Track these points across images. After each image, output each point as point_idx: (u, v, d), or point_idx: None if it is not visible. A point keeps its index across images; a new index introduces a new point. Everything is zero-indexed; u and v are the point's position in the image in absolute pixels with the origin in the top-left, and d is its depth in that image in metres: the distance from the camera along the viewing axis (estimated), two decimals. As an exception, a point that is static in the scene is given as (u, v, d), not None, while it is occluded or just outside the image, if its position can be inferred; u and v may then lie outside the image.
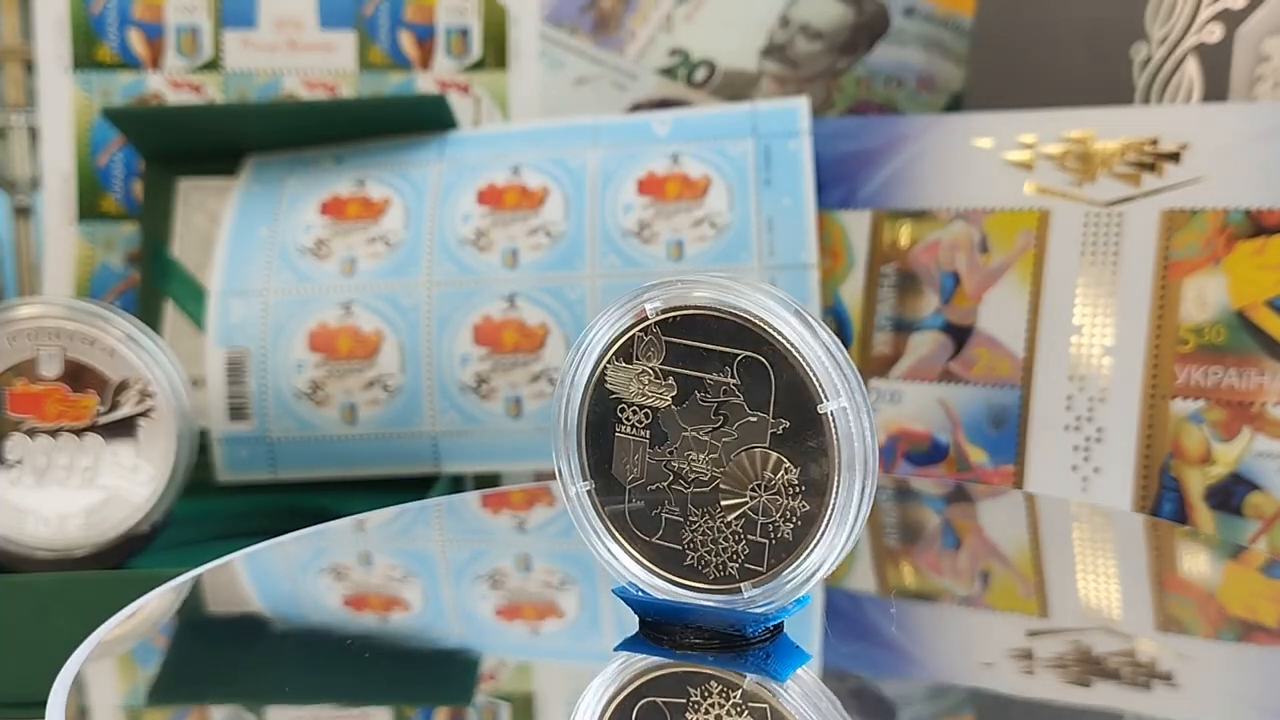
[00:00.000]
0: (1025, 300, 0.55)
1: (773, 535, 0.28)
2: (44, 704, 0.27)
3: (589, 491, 0.30)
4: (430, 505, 0.47)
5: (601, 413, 0.30)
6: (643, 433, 0.29)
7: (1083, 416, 0.52)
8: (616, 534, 0.30)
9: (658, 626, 0.30)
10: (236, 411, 0.58)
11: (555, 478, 0.30)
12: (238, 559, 0.38)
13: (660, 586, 0.30)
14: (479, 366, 0.57)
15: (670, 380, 0.29)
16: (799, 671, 0.29)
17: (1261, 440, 0.49)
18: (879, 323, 0.58)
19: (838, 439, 0.28)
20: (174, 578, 0.36)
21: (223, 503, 0.58)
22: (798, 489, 0.28)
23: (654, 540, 0.30)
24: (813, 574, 0.28)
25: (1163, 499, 0.51)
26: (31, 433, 0.46)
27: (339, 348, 0.58)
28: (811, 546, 0.28)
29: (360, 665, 0.31)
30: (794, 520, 0.28)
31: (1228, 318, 0.50)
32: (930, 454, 0.56)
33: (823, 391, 0.28)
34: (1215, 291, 0.51)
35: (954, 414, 0.56)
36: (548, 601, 0.36)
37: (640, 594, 0.30)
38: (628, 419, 0.29)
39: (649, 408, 0.29)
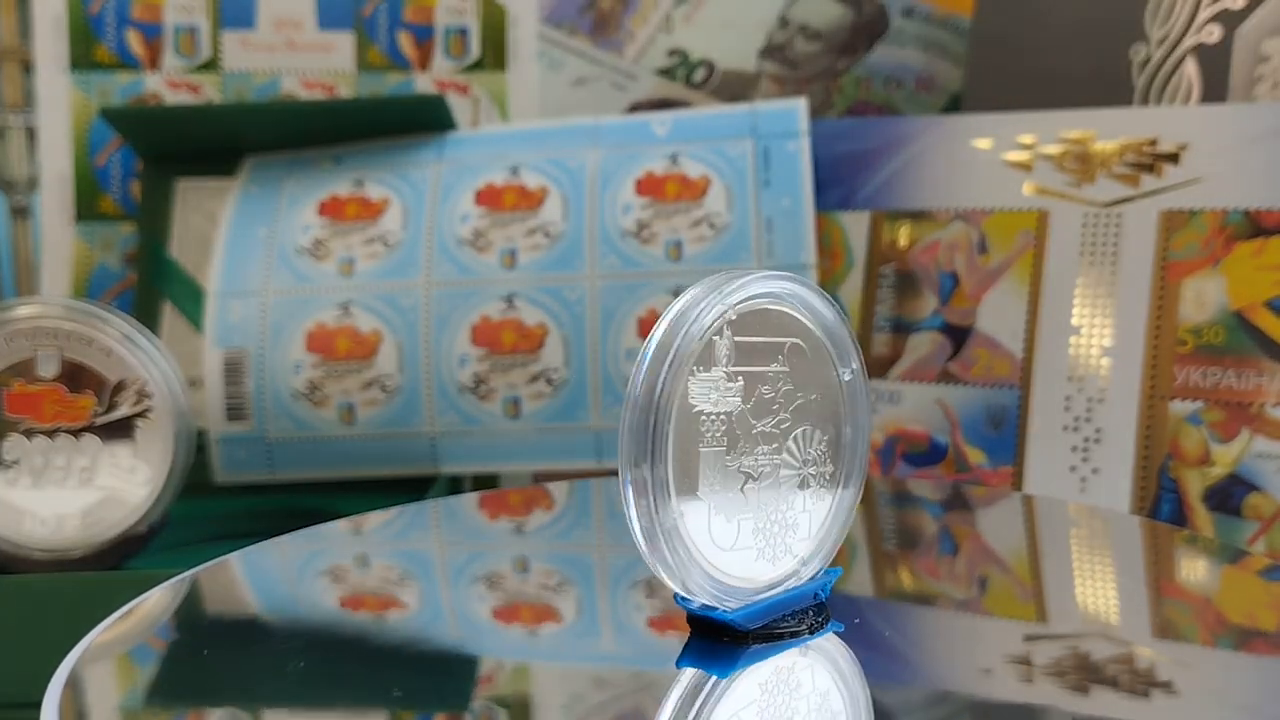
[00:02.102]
0: (1024, 301, 0.55)
1: (814, 504, 0.31)
2: (40, 705, 0.27)
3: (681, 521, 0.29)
4: (428, 506, 0.47)
5: (682, 431, 0.28)
6: (720, 441, 0.29)
7: (1081, 417, 0.52)
8: (704, 558, 0.29)
9: (742, 632, 0.30)
10: (234, 412, 0.58)
11: (631, 514, 0.28)
12: (234, 559, 0.38)
13: (747, 593, 0.30)
14: (477, 367, 0.57)
15: (740, 380, 0.29)
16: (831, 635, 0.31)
17: (1260, 441, 0.49)
18: (878, 323, 0.58)
19: (854, 401, 0.31)
20: (171, 578, 0.36)
21: (220, 503, 0.58)
22: (826, 455, 0.31)
23: (732, 549, 0.29)
24: (844, 528, 0.31)
25: (1161, 500, 0.51)
26: (29, 433, 0.46)
27: (337, 348, 0.58)
28: (842, 504, 0.31)
29: (357, 666, 0.31)
30: (825, 483, 0.31)
31: (1226, 318, 0.50)
32: (929, 455, 0.56)
33: (840, 361, 0.31)
34: (1214, 292, 0.51)
35: (953, 414, 0.56)
36: (545, 603, 0.36)
37: (737, 611, 0.29)
38: (708, 431, 0.29)
39: (725, 413, 0.29)
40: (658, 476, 0.28)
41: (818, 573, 0.31)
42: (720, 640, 0.30)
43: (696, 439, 0.28)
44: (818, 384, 0.30)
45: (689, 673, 0.29)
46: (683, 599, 0.30)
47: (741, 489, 0.29)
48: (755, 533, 0.30)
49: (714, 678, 0.28)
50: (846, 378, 0.31)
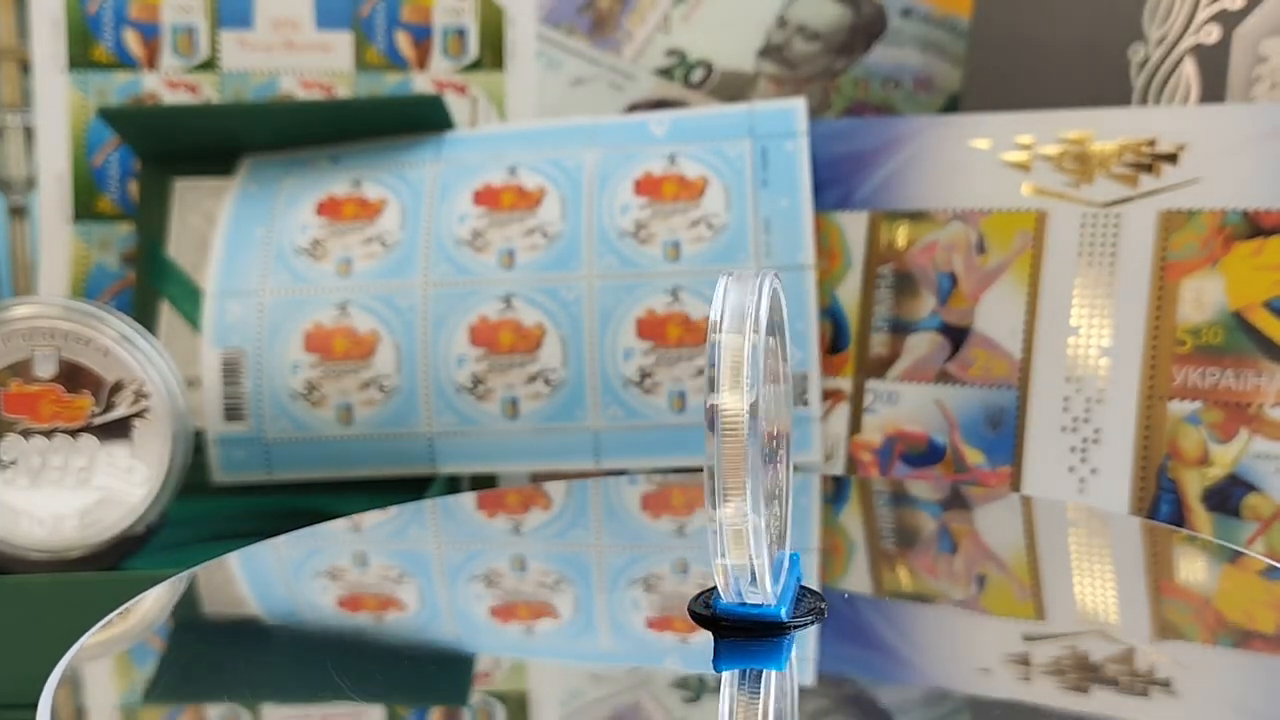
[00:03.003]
0: (1022, 301, 0.55)
1: (780, 491, 0.32)
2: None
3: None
4: (426, 506, 0.47)
5: None
6: (759, 434, 0.29)
7: (1080, 418, 0.52)
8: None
9: (781, 624, 0.30)
10: (232, 412, 0.58)
11: (715, 511, 0.28)
12: (232, 559, 0.38)
13: (773, 584, 0.30)
14: (475, 367, 0.57)
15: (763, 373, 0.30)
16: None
17: (1259, 442, 0.49)
18: (876, 324, 0.58)
19: (789, 394, 0.33)
20: (169, 578, 0.36)
21: (218, 504, 0.58)
22: (779, 443, 0.32)
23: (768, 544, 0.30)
24: (790, 512, 0.33)
25: (1160, 500, 0.51)
26: (26, 433, 0.46)
27: (335, 348, 0.58)
28: (789, 489, 0.32)
29: (355, 666, 0.31)
30: (785, 469, 0.32)
31: (1225, 319, 0.50)
32: (927, 455, 0.56)
33: (783, 355, 0.32)
34: (1213, 292, 0.51)
35: (951, 415, 0.56)
36: (543, 602, 0.36)
37: (782, 602, 0.30)
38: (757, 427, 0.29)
39: (756, 405, 0.29)
40: (757, 479, 0.27)
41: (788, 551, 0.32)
42: (754, 636, 0.30)
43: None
44: (779, 377, 0.32)
45: (731, 673, 0.29)
46: (720, 600, 0.29)
47: (767, 480, 0.30)
48: (770, 523, 0.30)
49: (771, 672, 0.29)
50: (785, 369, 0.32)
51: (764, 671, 0.29)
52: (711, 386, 0.27)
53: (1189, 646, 0.32)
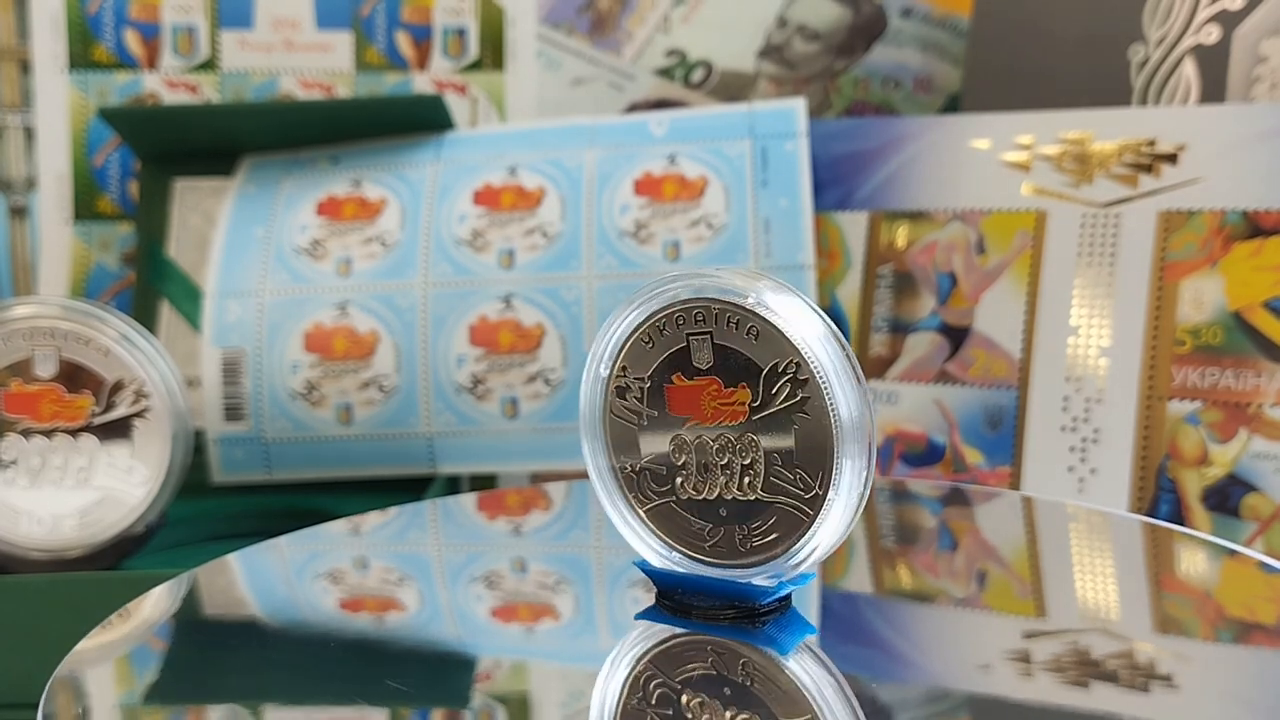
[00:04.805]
0: (1022, 301, 0.55)
1: None
2: (38, 705, 0.27)
3: None
4: (426, 506, 0.46)
5: None
6: None
7: (1079, 418, 0.52)
8: None
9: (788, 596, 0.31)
10: (232, 412, 0.58)
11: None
12: (233, 559, 0.38)
13: None
14: (475, 367, 0.57)
15: None
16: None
17: (1258, 441, 0.49)
18: (876, 324, 0.58)
19: None
20: (169, 579, 0.36)
21: (218, 503, 0.58)
22: None
23: None
24: None
25: (1159, 500, 0.51)
26: (26, 433, 0.46)
27: (334, 348, 0.58)
28: None
29: (355, 666, 0.31)
30: None
31: (1224, 319, 0.50)
32: (926, 455, 0.56)
33: None
34: (1212, 292, 0.51)
35: (950, 415, 0.56)
36: (543, 603, 0.36)
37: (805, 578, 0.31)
38: None
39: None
40: (871, 472, 0.29)
41: None
42: (779, 614, 0.31)
43: None
44: None
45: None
46: (762, 589, 0.30)
47: None
48: None
49: (813, 635, 0.30)
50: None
51: (812, 636, 0.30)
52: (823, 386, 0.28)
53: (1189, 642, 0.32)
